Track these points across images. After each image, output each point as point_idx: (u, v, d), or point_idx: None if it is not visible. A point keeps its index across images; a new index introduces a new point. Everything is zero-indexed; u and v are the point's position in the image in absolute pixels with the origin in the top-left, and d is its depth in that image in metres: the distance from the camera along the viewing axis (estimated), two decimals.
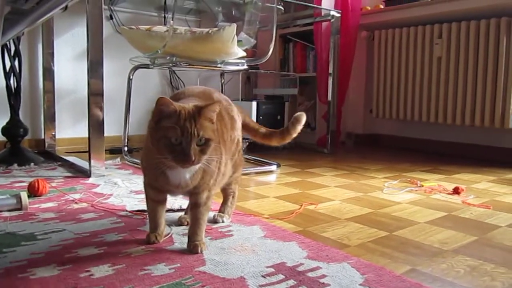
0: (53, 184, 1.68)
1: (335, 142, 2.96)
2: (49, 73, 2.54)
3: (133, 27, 2.03)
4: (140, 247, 1.04)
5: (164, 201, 1.07)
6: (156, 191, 1.04)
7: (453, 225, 1.31)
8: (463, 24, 2.61)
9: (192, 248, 1.01)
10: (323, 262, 0.97)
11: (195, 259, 0.97)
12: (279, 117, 2.92)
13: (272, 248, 1.06)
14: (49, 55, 2.53)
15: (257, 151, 2.79)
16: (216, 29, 1.93)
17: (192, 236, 1.03)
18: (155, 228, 1.07)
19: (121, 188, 1.64)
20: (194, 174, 0.97)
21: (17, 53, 2.24)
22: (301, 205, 1.49)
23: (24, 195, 1.34)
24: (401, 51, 2.96)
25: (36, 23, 1.00)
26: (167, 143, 0.88)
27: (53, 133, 2.57)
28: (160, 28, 1.98)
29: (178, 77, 3.04)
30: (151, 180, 1.02)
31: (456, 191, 1.73)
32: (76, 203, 1.43)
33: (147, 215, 1.10)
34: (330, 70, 2.88)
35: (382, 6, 3.07)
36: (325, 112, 2.97)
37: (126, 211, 1.34)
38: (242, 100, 2.89)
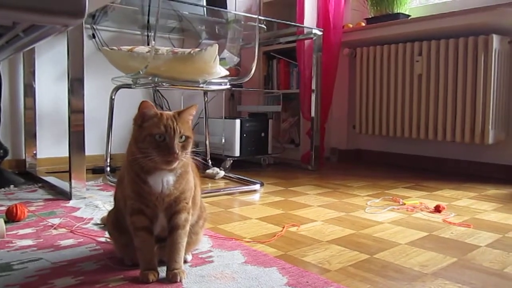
0: (32, 208, 1.66)
1: (319, 158, 2.98)
2: (30, 89, 2.51)
3: (114, 47, 2.03)
4: (118, 276, 1.03)
5: (151, 230, 1.02)
6: (140, 215, 1.00)
7: (433, 246, 1.32)
8: (442, 42, 2.66)
9: (171, 277, 0.99)
10: None
11: None
12: (263, 134, 2.93)
13: (252, 275, 1.05)
14: (30, 73, 2.50)
15: (241, 169, 2.79)
16: (198, 49, 1.94)
17: (171, 264, 1.01)
18: (149, 264, 1.01)
19: (102, 212, 1.62)
20: (177, 178, 1.00)
21: None
22: (283, 227, 1.48)
23: (1, 221, 1.31)
24: (382, 68, 3.00)
25: (13, 54, 1.00)
26: (152, 140, 0.95)
27: (34, 152, 2.53)
28: (142, 49, 1.98)
29: (162, 95, 3.03)
30: (133, 196, 0.99)
31: (437, 209, 1.75)
32: (55, 228, 1.41)
33: (137, 252, 1.02)
34: (313, 87, 2.90)
35: (363, 24, 3.11)
36: (309, 128, 2.98)
37: (105, 237, 1.32)
38: (225, 118, 2.89)
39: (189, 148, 1.00)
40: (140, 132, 0.97)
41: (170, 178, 0.99)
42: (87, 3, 0.50)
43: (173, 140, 0.95)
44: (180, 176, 1.01)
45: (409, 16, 2.92)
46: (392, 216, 1.68)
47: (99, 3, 1.35)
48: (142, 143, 0.96)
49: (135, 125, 0.99)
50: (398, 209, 1.79)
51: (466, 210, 1.79)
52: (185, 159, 1.01)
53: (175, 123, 0.97)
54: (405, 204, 1.86)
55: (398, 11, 2.92)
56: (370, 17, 3.08)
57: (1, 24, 0.66)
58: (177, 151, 0.95)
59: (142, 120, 0.98)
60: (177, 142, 0.96)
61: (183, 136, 0.98)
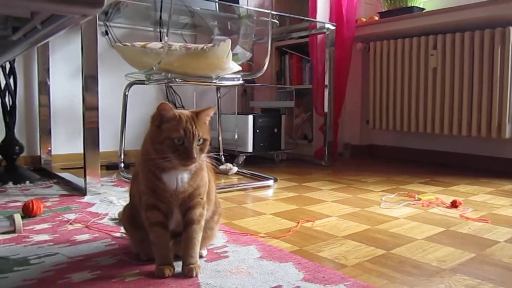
0: (48, 204, 1.67)
1: (333, 153, 2.96)
2: (44, 87, 2.54)
3: (127, 44, 2.03)
4: (134, 271, 1.03)
5: (166, 225, 1.02)
6: (155, 211, 1.00)
7: (451, 241, 1.30)
8: (457, 35, 2.62)
9: (187, 272, 0.99)
10: (319, 285, 0.96)
11: (190, 283, 0.96)
12: (275, 130, 2.92)
13: (268, 270, 1.04)
14: (44, 71, 2.53)
15: (254, 165, 2.79)
16: (211, 45, 1.93)
17: (187, 258, 1.01)
18: (165, 258, 1.01)
19: (117, 207, 1.63)
20: (192, 176, 1.00)
21: (12, 71, 2.23)
22: (298, 222, 1.47)
23: (18, 217, 1.32)
24: (396, 62, 2.96)
25: (28, 49, 1.00)
26: (171, 144, 0.94)
27: (49, 148, 2.56)
28: (155, 45, 1.98)
29: (175, 91, 3.04)
30: (148, 192, 0.99)
31: (454, 204, 1.72)
32: (70, 224, 1.42)
33: (153, 247, 1.02)
34: (326, 82, 2.88)
35: (376, 18, 3.08)
36: (322, 124, 2.96)
37: (121, 232, 1.33)
38: (238, 114, 2.88)
39: (206, 150, 1.00)
40: (159, 133, 0.96)
41: (184, 176, 0.99)
42: None
43: (192, 145, 0.95)
44: (194, 173, 1.01)
45: (423, 9, 2.88)
46: (408, 211, 1.66)
47: None
48: (160, 145, 0.95)
49: (152, 125, 0.98)
50: (413, 204, 1.77)
51: (483, 205, 1.77)
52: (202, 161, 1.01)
53: (194, 127, 0.96)
54: (420, 199, 1.84)
55: (412, 4, 2.88)
56: (383, 10, 3.05)
57: (19, 16, 0.66)
58: (195, 156, 0.95)
59: (160, 121, 0.96)
60: (195, 146, 0.96)
61: (201, 139, 0.98)
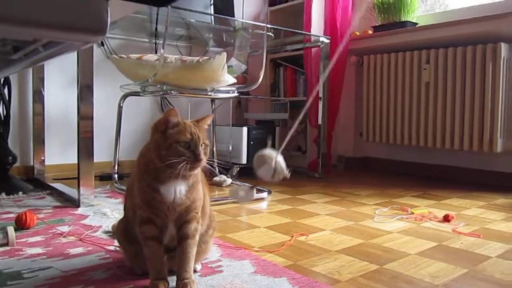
0: (41, 216, 1.66)
1: (326, 165, 2.97)
2: (39, 96, 2.53)
3: (123, 56, 2.04)
4: (128, 286, 1.03)
5: (161, 240, 1.02)
6: (150, 225, 1.00)
7: (443, 256, 1.31)
8: (450, 50, 2.65)
9: (182, 287, 0.99)
10: None
11: None
12: (270, 141, 2.93)
13: (262, 285, 1.05)
14: (39, 80, 2.52)
15: (248, 176, 2.79)
16: (207, 57, 1.94)
17: (181, 273, 1.01)
18: (159, 273, 1.00)
19: (110, 219, 1.63)
20: (189, 188, 1.01)
21: (7, 81, 2.23)
22: (292, 236, 1.48)
23: (11, 229, 1.32)
24: (389, 76, 2.99)
25: (27, 67, 1.01)
26: (177, 148, 0.96)
27: (43, 158, 2.55)
28: (151, 57, 1.99)
29: (169, 103, 3.04)
30: (143, 205, 0.99)
31: (446, 218, 1.74)
32: (64, 236, 1.41)
33: (147, 262, 1.01)
34: (320, 94, 2.91)
35: (370, 32, 3.12)
36: (315, 136, 2.98)
37: (114, 245, 1.32)
38: (232, 125, 2.90)
39: (208, 155, 1.03)
40: (164, 139, 0.97)
41: (182, 188, 1.00)
42: (109, 20, 0.50)
43: (199, 147, 0.98)
44: (192, 186, 1.02)
45: (416, 24, 2.92)
46: (401, 225, 1.67)
47: (116, 15, 1.37)
48: (167, 150, 0.96)
49: (156, 132, 0.99)
50: (406, 218, 1.78)
51: (475, 219, 1.78)
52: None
53: (197, 131, 1.00)
54: (413, 213, 1.85)
55: (406, 19, 2.92)
56: (377, 25, 3.08)
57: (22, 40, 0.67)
58: (203, 158, 0.98)
59: (166, 127, 0.98)
60: (201, 149, 0.99)
61: (203, 144, 1.00)
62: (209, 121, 1.05)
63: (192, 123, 1.01)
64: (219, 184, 2.46)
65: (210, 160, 1.08)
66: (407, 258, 1.29)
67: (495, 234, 1.56)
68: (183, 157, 0.96)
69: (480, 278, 1.15)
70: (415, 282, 1.10)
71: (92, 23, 0.46)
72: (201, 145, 0.99)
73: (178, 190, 0.99)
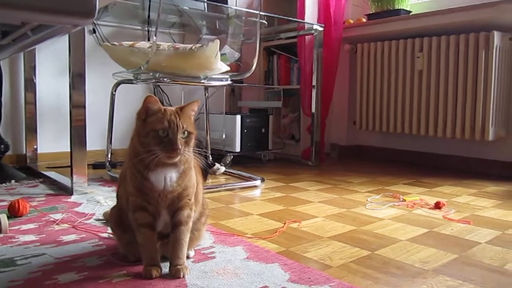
0: (34, 203, 1.66)
1: (320, 154, 2.98)
2: (30, 84, 2.51)
3: (115, 43, 2.03)
4: (121, 272, 1.03)
5: (154, 227, 1.02)
6: (143, 212, 1.00)
7: (434, 242, 1.33)
8: (443, 38, 2.66)
9: (174, 273, 1.00)
10: (305, 286, 0.98)
11: (177, 284, 0.97)
12: (263, 130, 2.93)
13: (255, 270, 1.06)
14: (31, 68, 2.50)
15: (242, 164, 2.80)
16: (200, 45, 1.93)
17: (174, 259, 1.02)
18: (152, 260, 1.01)
19: (104, 207, 1.63)
20: (180, 175, 1.00)
21: None
22: (285, 223, 1.49)
23: (4, 217, 1.32)
24: (383, 64, 3.00)
25: (17, 53, 1.00)
26: (155, 136, 0.95)
27: (35, 147, 2.54)
28: (143, 44, 1.98)
29: (162, 90, 3.03)
30: (136, 192, 1.00)
31: (437, 205, 1.76)
32: (57, 224, 1.41)
33: (140, 248, 1.02)
34: (314, 83, 2.91)
35: (364, 20, 3.11)
36: (309, 124, 2.99)
37: (108, 232, 1.33)
38: (226, 113, 2.89)
39: (192, 144, 1.01)
40: (144, 127, 0.97)
41: (173, 175, 1.00)
42: (97, 3, 0.50)
43: (176, 136, 0.96)
44: (183, 173, 1.01)
45: (410, 12, 2.92)
46: (393, 212, 1.69)
47: (106, 0, 1.36)
48: (145, 138, 0.96)
49: (138, 119, 0.99)
50: (398, 205, 1.80)
51: (466, 206, 1.80)
52: (188, 155, 1.01)
53: (178, 119, 0.97)
54: (405, 200, 1.87)
55: (399, 7, 2.92)
56: (371, 13, 3.08)
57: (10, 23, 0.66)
58: (180, 147, 0.96)
59: (146, 114, 0.98)
60: (180, 137, 0.96)
61: (186, 132, 0.99)
62: (195, 107, 1.03)
63: (174, 110, 0.99)
64: (212, 172, 2.46)
65: (200, 150, 1.07)
66: (398, 244, 1.30)
67: (485, 221, 1.58)
68: (160, 146, 0.95)
69: (470, 263, 1.16)
70: (406, 268, 1.12)
71: (80, 5, 0.45)
72: (183, 132, 0.98)
73: (168, 177, 0.99)
